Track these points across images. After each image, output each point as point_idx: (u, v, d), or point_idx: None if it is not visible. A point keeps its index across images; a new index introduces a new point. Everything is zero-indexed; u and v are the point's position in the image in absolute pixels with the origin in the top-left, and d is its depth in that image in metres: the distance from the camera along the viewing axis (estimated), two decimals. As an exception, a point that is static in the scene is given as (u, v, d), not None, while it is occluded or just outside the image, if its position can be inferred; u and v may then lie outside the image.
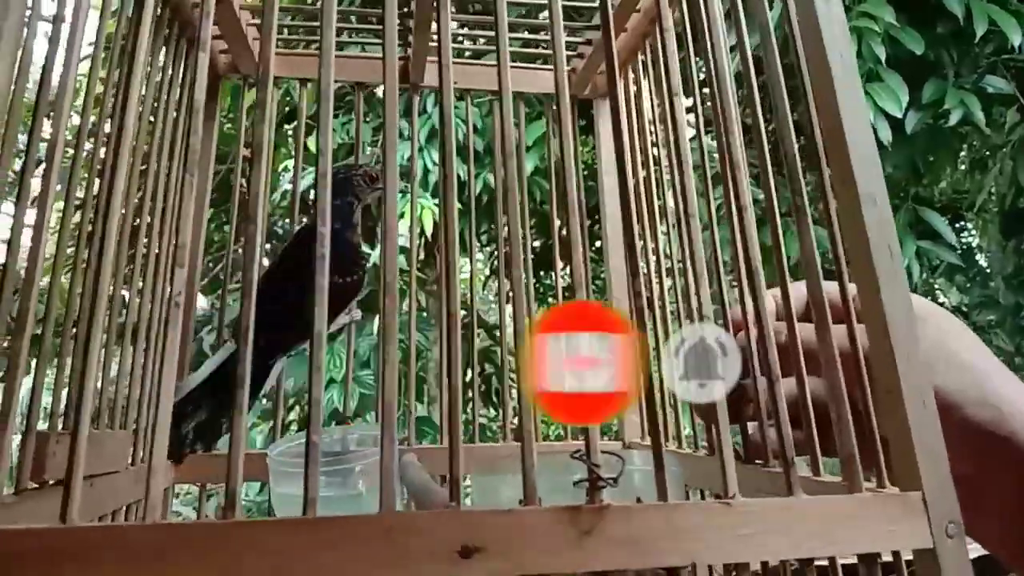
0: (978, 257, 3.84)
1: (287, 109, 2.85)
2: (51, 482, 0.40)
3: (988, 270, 3.63)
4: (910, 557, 0.35)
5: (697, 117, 0.56)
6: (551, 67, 0.81)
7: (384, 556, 0.28)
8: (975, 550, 0.47)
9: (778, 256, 0.40)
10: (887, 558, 0.41)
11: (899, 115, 1.76)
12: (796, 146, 0.36)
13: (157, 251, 0.55)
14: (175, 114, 0.61)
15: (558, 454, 0.36)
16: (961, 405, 0.42)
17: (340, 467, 0.53)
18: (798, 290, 0.43)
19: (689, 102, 0.60)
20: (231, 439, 0.28)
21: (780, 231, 0.40)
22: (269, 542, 0.28)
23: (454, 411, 0.30)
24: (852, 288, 0.39)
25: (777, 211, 0.40)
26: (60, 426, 0.43)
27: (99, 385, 0.47)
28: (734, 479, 0.32)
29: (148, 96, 0.56)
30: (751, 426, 0.48)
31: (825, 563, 0.46)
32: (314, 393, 0.29)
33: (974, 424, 0.42)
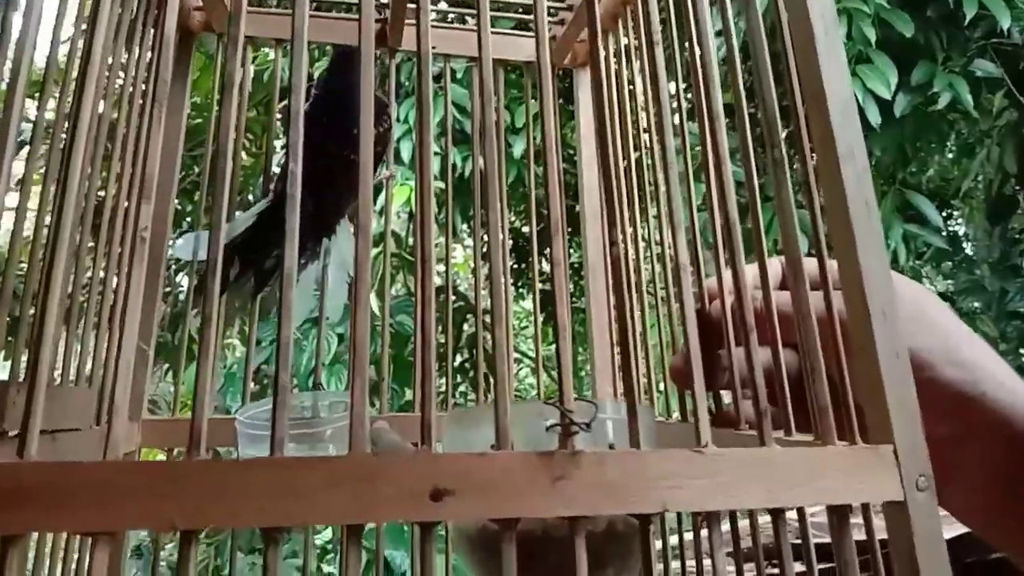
0: (964, 245, 3.86)
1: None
2: (11, 433, 0.39)
3: (974, 258, 3.65)
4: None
5: (679, 95, 0.55)
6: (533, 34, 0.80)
7: (353, 499, 0.28)
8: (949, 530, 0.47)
9: (755, 220, 0.40)
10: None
11: (888, 97, 1.76)
12: (775, 96, 0.35)
13: (126, 206, 0.55)
14: (145, 75, 0.60)
15: (534, 403, 0.36)
16: (932, 365, 0.42)
17: (310, 431, 0.53)
18: (774, 265, 0.43)
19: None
20: (197, 377, 0.28)
21: (758, 195, 0.40)
22: (233, 483, 0.27)
23: (426, 350, 0.30)
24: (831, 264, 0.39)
25: (755, 178, 0.40)
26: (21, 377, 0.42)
27: (63, 337, 0.47)
28: (707, 428, 0.32)
29: (116, 55, 0.55)
30: (725, 397, 0.48)
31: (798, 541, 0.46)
32: (283, 333, 0.29)
33: (946, 384, 0.42)
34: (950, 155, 3.13)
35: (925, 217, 2.20)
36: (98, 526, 0.26)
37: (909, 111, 1.89)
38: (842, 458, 0.33)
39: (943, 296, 3.16)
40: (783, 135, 0.37)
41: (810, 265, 0.40)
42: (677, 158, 0.53)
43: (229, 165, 0.28)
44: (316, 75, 0.70)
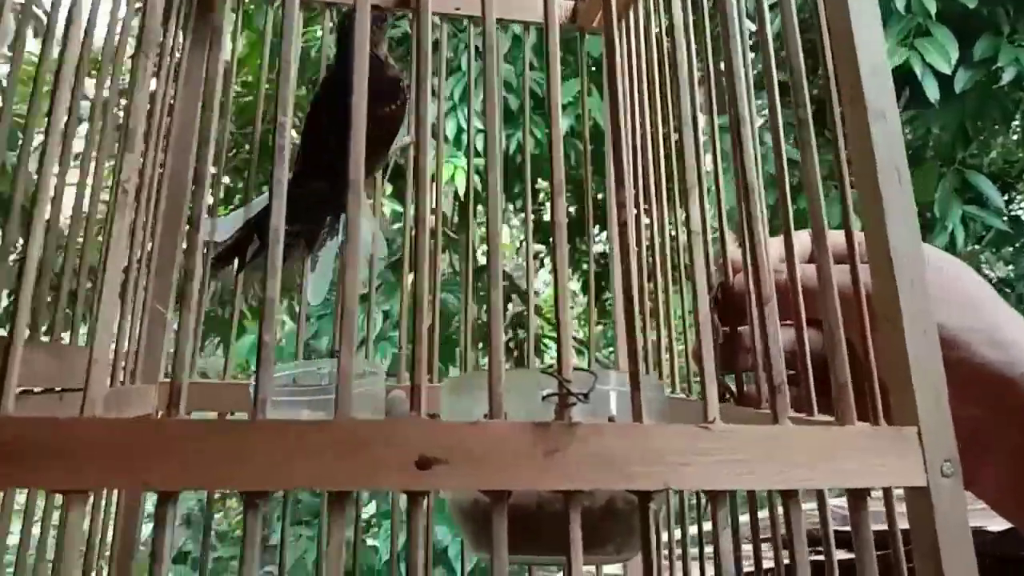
0: (1027, 230, 3.70)
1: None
2: (17, 390, 0.39)
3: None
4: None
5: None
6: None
7: (336, 465, 0.27)
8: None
9: (781, 191, 0.37)
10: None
11: (948, 72, 1.68)
12: (801, 54, 0.33)
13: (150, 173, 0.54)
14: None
15: (534, 372, 0.35)
16: (968, 344, 0.40)
17: (326, 397, 0.52)
18: (802, 238, 0.41)
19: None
20: (178, 336, 0.27)
21: (785, 165, 0.37)
22: (212, 445, 0.26)
23: (419, 314, 0.29)
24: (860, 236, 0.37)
25: (783, 141, 0.37)
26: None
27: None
28: (715, 403, 0.31)
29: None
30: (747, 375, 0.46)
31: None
32: (268, 292, 0.28)
33: (982, 364, 0.40)
34: (1015, 135, 3.00)
35: (986, 199, 2.11)
36: (70, 484, 0.25)
37: (971, 87, 1.81)
38: (861, 439, 0.31)
39: (1003, 282, 3.05)
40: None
41: (841, 239, 0.38)
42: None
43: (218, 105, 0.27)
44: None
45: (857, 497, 0.31)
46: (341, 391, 0.28)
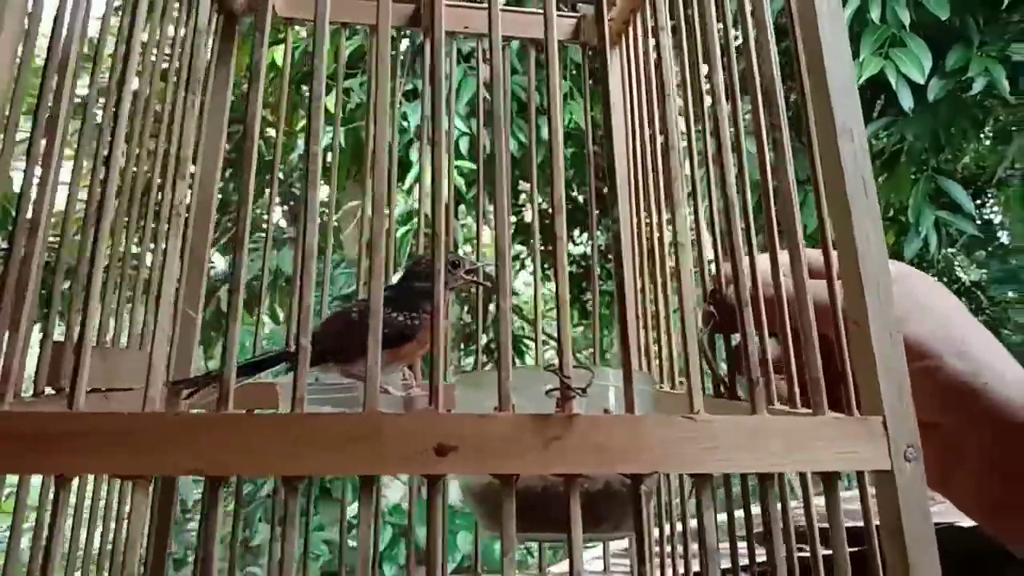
0: (999, 234, 3.77)
1: (305, 69, 2.84)
2: (68, 389, 0.42)
3: (1010, 246, 3.57)
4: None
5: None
6: (556, 11, 0.78)
7: (365, 451, 0.30)
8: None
9: (766, 204, 0.41)
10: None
11: (922, 81, 1.73)
12: (776, 70, 0.37)
13: (159, 182, 0.57)
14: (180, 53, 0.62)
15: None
16: (939, 355, 0.43)
17: (351, 395, 0.55)
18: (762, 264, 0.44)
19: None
20: (226, 338, 0.30)
21: (771, 181, 0.41)
22: (257, 435, 0.30)
23: (437, 320, 0.32)
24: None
25: (767, 163, 0.41)
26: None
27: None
28: (700, 397, 0.34)
29: (152, 33, 0.56)
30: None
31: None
32: (305, 299, 0.31)
33: (951, 375, 0.43)
34: (987, 141, 3.07)
35: (958, 204, 2.17)
36: (134, 470, 0.29)
37: (943, 96, 1.86)
38: (830, 428, 0.34)
39: (976, 285, 3.11)
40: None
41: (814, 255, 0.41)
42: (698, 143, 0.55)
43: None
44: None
45: (828, 482, 0.35)
46: (369, 389, 0.31)
